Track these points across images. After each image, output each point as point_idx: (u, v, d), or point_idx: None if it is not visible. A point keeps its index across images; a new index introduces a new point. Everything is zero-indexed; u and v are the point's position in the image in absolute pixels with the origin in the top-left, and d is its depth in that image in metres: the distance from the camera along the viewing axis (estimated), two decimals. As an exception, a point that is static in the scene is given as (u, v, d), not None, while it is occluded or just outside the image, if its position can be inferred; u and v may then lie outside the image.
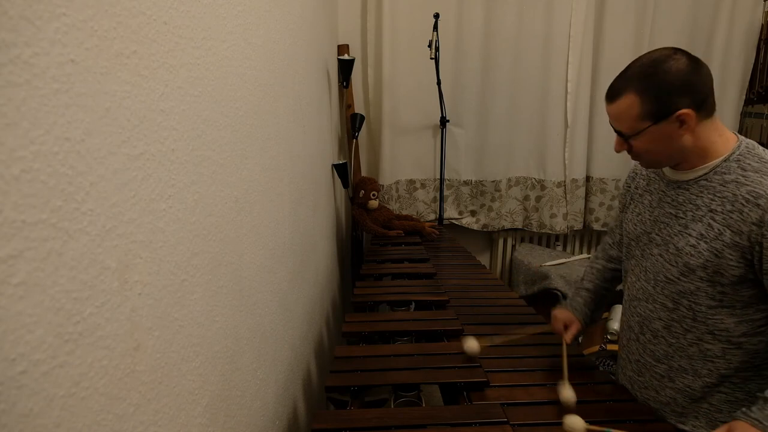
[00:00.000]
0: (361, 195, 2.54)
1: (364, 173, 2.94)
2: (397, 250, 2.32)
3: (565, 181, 3.00)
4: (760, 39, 2.90)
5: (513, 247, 3.16)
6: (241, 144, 0.99)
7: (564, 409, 1.09)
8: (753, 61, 2.92)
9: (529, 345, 1.40)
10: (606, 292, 1.41)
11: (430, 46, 2.42)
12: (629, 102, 1.01)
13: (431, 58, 2.46)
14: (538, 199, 3.03)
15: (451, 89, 2.83)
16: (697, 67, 0.99)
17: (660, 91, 0.99)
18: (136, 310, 0.60)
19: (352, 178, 2.73)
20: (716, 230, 1.00)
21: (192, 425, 0.75)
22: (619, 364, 1.30)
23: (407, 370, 1.22)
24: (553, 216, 3.02)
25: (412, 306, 1.70)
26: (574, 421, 1.00)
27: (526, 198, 3.04)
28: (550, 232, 3.04)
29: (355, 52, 2.73)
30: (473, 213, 3.07)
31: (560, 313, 1.41)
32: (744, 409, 0.93)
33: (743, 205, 0.96)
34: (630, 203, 1.24)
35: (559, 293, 2.53)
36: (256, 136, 1.09)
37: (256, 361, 1.08)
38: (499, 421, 1.04)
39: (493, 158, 2.97)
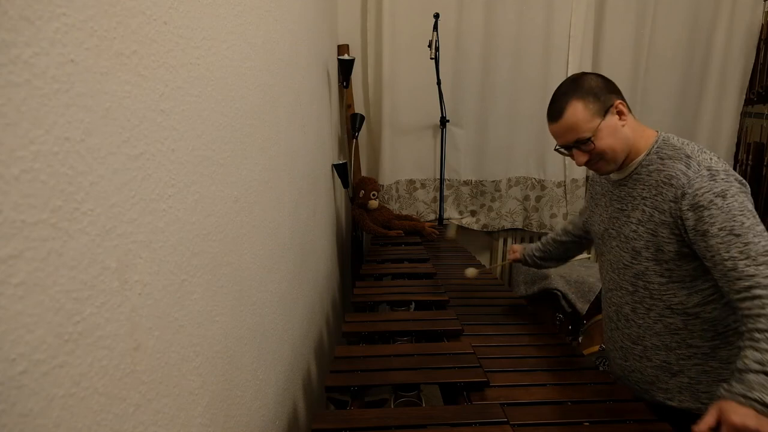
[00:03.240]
0: (361, 195, 2.54)
1: (364, 173, 2.94)
2: (397, 250, 2.32)
3: (565, 181, 3.00)
4: (760, 39, 2.90)
5: (513, 247, 3.16)
6: (241, 144, 0.99)
7: None
8: (753, 61, 2.92)
9: (529, 345, 1.40)
10: (552, 249, 1.66)
11: (430, 46, 2.42)
12: (576, 109, 1.16)
13: (431, 58, 2.46)
14: (538, 199, 3.03)
15: (451, 89, 2.83)
16: (602, 76, 1.20)
17: (594, 92, 1.16)
18: (136, 310, 0.60)
19: (352, 178, 2.73)
20: (648, 213, 1.15)
21: (192, 425, 0.75)
22: (608, 355, 1.41)
23: (407, 370, 1.22)
24: (553, 216, 3.02)
25: (412, 306, 1.70)
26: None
27: (526, 198, 3.04)
28: (549, 232, 3.03)
29: (355, 52, 2.73)
30: (473, 213, 3.07)
31: (515, 246, 1.79)
32: (725, 386, 0.95)
33: (662, 187, 1.12)
34: (593, 208, 1.40)
35: (559, 293, 2.53)
36: (256, 136, 1.09)
37: (256, 361, 1.08)
38: (499, 421, 1.04)
39: (493, 158, 2.97)
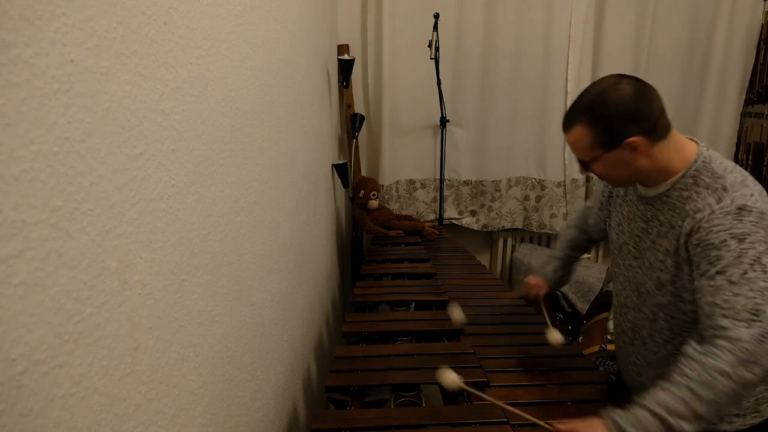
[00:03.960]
0: (361, 195, 2.54)
1: (364, 173, 2.94)
2: (397, 250, 2.32)
3: (565, 181, 3.00)
4: (760, 39, 2.89)
5: (513, 247, 3.16)
6: (241, 144, 0.99)
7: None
8: (753, 61, 2.92)
9: (530, 345, 1.40)
10: (572, 260, 1.48)
11: (430, 46, 2.42)
12: (580, 133, 1.04)
13: (431, 58, 2.45)
14: (538, 199, 3.03)
15: (451, 89, 2.83)
16: (643, 93, 1.00)
17: (607, 122, 1.01)
18: (136, 310, 0.60)
19: (352, 178, 2.73)
20: (675, 246, 1.01)
21: (192, 425, 0.75)
22: (619, 364, 1.33)
23: (407, 370, 1.22)
24: (553, 216, 3.02)
25: (412, 306, 1.70)
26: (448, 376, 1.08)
27: (526, 198, 3.04)
28: (550, 232, 3.04)
29: (355, 52, 2.73)
30: (473, 213, 3.07)
31: (531, 279, 1.50)
32: (613, 408, 0.92)
33: (689, 219, 0.98)
34: (613, 210, 1.25)
35: (559, 293, 2.54)
36: (256, 136, 1.09)
37: (256, 361, 1.08)
38: (499, 421, 1.04)
39: (493, 158, 2.97)
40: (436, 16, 2.43)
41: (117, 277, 0.56)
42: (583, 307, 2.44)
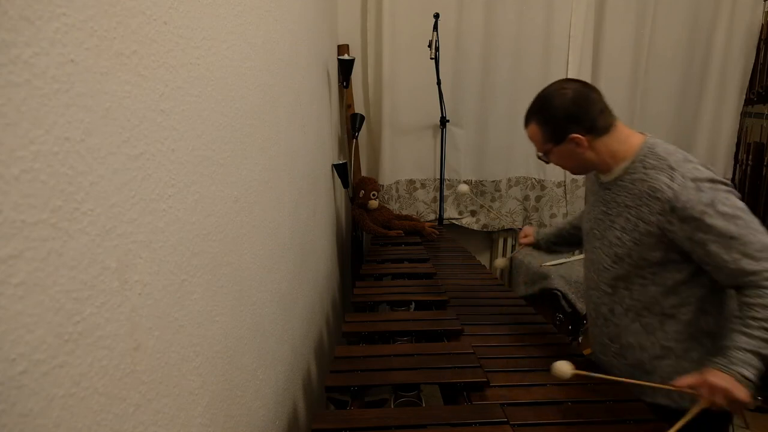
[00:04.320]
0: (361, 195, 2.54)
1: (364, 173, 2.94)
2: (397, 250, 2.32)
3: (565, 181, 3.00)
4: (760, 39, 2.90)
5: (513, 247, 3.16)
6: (241, 144, 0.99)
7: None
8: (753, 61, 2.92)
9: (530, 345, 1.40)
10: (567, 233, 1.64)
11: (430, 46, 2.42)
12: (533, 131, 1.25)
13: (431, 58, 2.45)
14: (538, 199, 3.03)
15: (451, 89, 2.83)
16: (582, 96, 1.18)
17: (551, 121, 1.21)
18: (136, 310, 0.60)
19: (352, 178, 2.73)
20: (633, 222, 1.17)
21: (192, 425, 0.75)
22: (592, 348, 1.45)
23: (407, 370, 1.22)
24: (553, 216, 3.02)
25: (412, 306, 1.70)
26: (562, 367, 1.06)
27: (526, 198, 3.04)
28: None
29: (355, 52, 2.73)
30: (473, 213, 3.07)
31: (527, 229, 1.76)
32: (710, 358, 1.03)
33: (647, 199, 1.13)
34: (586, 204, 1.42)
35: (559, 293, 2.53)
36: (256, 136, 1.09)
37: (256, 361, 1.08)
38: (499, 421, 1.04)
39: (493, 158, 2.97)
40: (436, 16, 2.43)
41: (117, 277, 0.56)
42: (583, 307, 2.44)
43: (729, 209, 1.06)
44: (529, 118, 1.25)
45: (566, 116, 1.18)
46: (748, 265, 1.04)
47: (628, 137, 1.22)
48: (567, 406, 1.12)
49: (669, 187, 1.10)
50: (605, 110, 1.20)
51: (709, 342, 1.20)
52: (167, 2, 0.67)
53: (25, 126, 0.42)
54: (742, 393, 0.96)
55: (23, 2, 0.42)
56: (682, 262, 1.15)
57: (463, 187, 1.64)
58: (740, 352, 1.00)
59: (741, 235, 1.05)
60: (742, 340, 1.01)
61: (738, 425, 2.25)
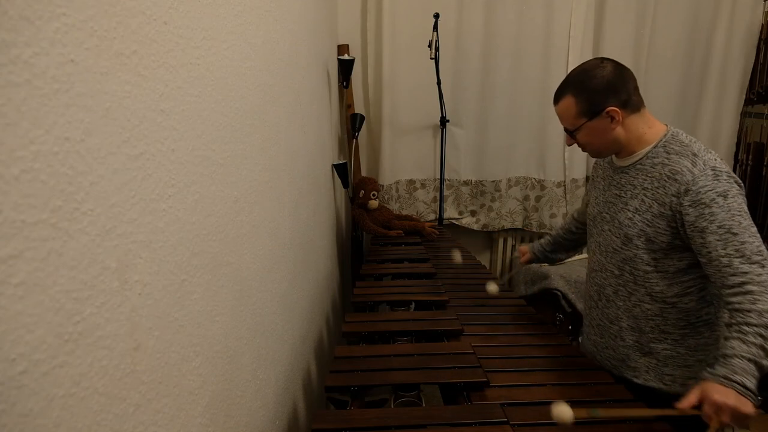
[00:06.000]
0: (361, 195, 2.54)
1: (364, 173, 2.94)
2: (397, 250, 2.32)
3: (565, 181, 3.00)
4: (760, 39, 2.90)
5: (513, 247, 3.16)
6: (241, 144, 0.99)
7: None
8: (753, 61, 2.92)
9: (530, 345, 1.40)
10: (563, 240, 1.68)
11: (430, 46, 2.42)
12: (567, 104, 1.24)
13: (431, 58, 2.45)
14: (538, 199, 3.03)
15: (451, 89, 2.83)
16: (620, 72, 1.20)
17: (590, 94, 1.20)
18: (136, 310, 0.60)
19: (352, 178, 2.73)
20: (647, 204, 1.20)
21: (192, 425, 0.75)
22: (584, 332, 1.49)
23: (407, 370, 1.22)
24: (553, 216, 3.02)
25: (412, 306, 1.70)
26: (563, 410, 0.99)
27: (526, 198, 3.04)
28: (549, 232, 3.02)
29: (355, 52, 2.73)
30: (473, 213, 3.07)
31: (522, 248, 1.80)
32: (708, 369, 1.01)
33: (665, 181, 1.16)
34: (592, 190, 1.43)
35: (559, 293, 2.53)
36: (256, 136, 1.09)
37: (256, 361, 1.08)
38: (499, 421, 1.04)
39: (493, 158, 2.97)
40: (436, 16, 2.43)
41: (117, 277, 0.56)
42: (583, 307, 2.44)
43: (736, 206, 1.08)
44: (562, 92, 1.25)
45: (605, 88, 1.19)
46: (741, 264, 1.05)
47: (654, 122, 1.25)
48: (567, 406, 1.11)
49: (690, 171, 1.12)
50: (638, 90, 1.23)
51: (707, 331, 1.23)
52: (167, 2, 0.67)
53: (25, 126, 0.42)
54: (747, 407, 0.94)
55: (23, 2, 0.42)
56: (685, 250, 1.17)
57: (493, 288, 1.61)
58: (739, 361, 0.98)
59: (740, 234, 1.06)
60: (741, 348, 0.99)
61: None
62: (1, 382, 0.40)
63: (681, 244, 1.17)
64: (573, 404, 1.12)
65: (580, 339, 1.60)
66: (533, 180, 3.02)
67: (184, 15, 0.72)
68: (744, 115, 3.01)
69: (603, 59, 1.23)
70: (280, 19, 1.30)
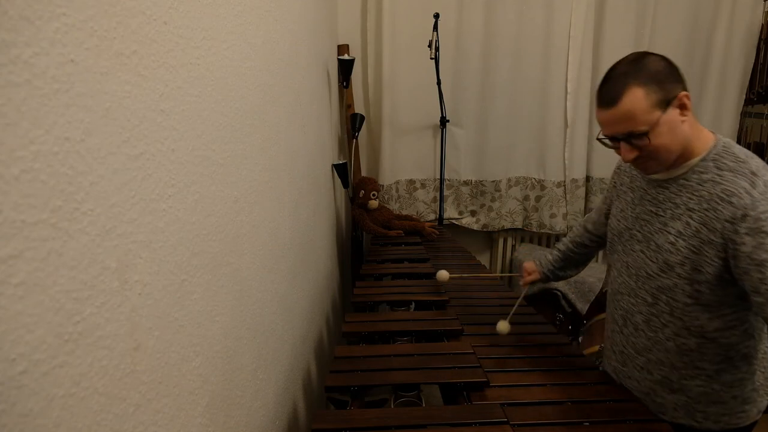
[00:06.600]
0: (361, 195, 2.54)
1: (364, 173, 2.94)
2: (397, 250, 2.32)
3: (565, 181, 3.00)
4: (760, 39, 2.89)
5: (513, 247, 3.16)
6: (241, 144, 0.99)
7: None
8: (753, 61, 2.92)
9: (530, 345, 1.40)
10: (574, 255, 1.49)
11: (430, 46, 2.42)
12: (635, 96, 0.99)
13: (431, 58, 2.45)
14: (538, 199, 3.03)
15: (451, 89, 2.83)
16: (667, 59, 1.03)
17: (658, 78, 0.99)
18: (136, 310, 0.60)
19: (352, 178, 2.73)
20: (693, 228, 1.02)
21: (192, 425, 0.75)
22: (604, 354, 1.35)
23: (407, 370, 1.22)
24: (553, 216, 3.02)
25: (412, 306, 1.70)
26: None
27: (526, 198, 3.04)
28: (550, 232, 3.04)
29: (355, 52, 2.73)
30: (473, 213, 3.07)
31: (528, 265, 1.56)
32: None
33: (717, 203, 0.98)
34: (615, 199, 1.27)
35: (559, 293, 2.54)
36: (256, 136, 1.09)
37: (256, 361, 1.08)
38: (499, 421, 1.04)
39: (493, 158, 2.97)
40: (436, 16, 2.43)
41: (117, 277, 0.56)
42: (583, 307, 2.45)
43: None
44: (624, 83, 1.00)
45: (670, 72, 1.00)
46: None
47: (701, 129, 1.05)
48: (567, 406, 1.12)
49: (748, 193, 0.95)
50: None
51: (744, 365, 1.09)
52: (167, 2, 0.67)
53: (25, 126, 0.42)
54: None
55: (23, 2, 0.42)
56: (733, 284, 1.00)
57: (504, 327, 1.41)
58: None
59: None
60: None
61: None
62: (1, 382, 0.40)
63: (729, 278, 0.99)
64: (573, 404, 1.12)
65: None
66: (533, 180, 3.02)
67: (184, 15, 0.72)
68: (744, 115, 3.01)
69: (637, 52, 1.05)
70: (280, 19, 1.30)
